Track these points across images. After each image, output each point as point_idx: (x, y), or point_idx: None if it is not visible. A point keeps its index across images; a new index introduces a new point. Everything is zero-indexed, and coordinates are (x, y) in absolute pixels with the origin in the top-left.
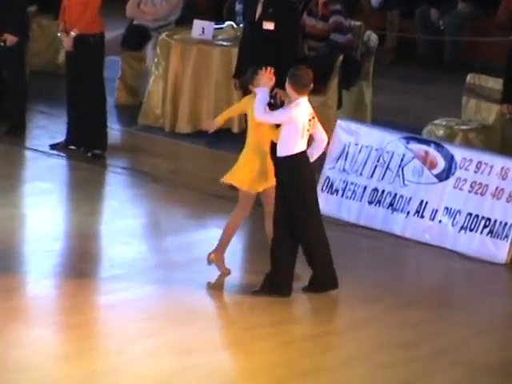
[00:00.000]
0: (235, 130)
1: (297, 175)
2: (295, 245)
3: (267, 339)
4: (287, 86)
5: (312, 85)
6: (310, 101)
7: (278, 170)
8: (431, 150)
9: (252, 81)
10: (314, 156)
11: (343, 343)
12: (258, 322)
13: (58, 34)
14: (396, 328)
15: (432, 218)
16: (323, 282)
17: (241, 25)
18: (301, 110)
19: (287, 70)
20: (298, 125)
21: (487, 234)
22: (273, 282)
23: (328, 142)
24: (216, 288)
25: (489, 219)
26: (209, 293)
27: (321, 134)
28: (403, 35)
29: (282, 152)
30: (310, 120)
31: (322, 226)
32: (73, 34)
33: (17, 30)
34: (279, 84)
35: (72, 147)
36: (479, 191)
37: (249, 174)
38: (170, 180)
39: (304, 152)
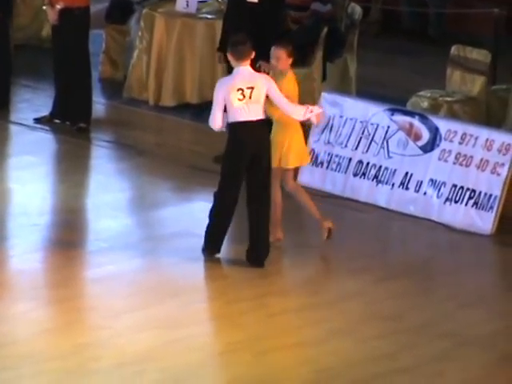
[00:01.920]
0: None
1: (227, 144)
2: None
3: (253, 312)
4: (228, 54)
5: (251, 53)
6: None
7: None
8: (416, 121)
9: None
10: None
11: (329, 316)
12: (243, 295)
13: (44, 7)
14: (382, 300)
15: (417, 190)
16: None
17: None
18: (232, 77)
19: (272, 41)
20: (230, 93)
21: (472, 206)
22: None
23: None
24: (202, 261)
25: (474, 191)
26: (194, 266)
27: (280, 104)
28: (387, 8)
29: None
30: (248, 88)
31: (229, 199)
32: (58, 6)
33: None
34: (264, 56)
35: (56, 121)
36: (464, 163)
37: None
38: (155, 153)
39: (242, 123)
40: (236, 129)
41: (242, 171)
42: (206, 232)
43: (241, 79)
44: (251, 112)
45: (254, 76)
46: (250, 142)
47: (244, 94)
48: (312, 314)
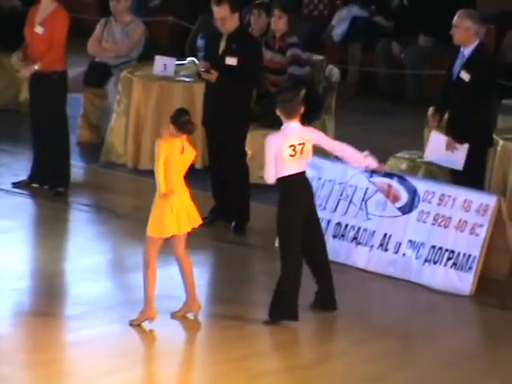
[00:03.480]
0: (198, 165)
1: (280, 199)
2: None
3: (235, 374)
4: (277, 110)
5: (300, 109)
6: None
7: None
8: (394, 183)
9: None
10: (351, 161)
11: (312, 377)
12: (225, 357)
13: (12, 60)
14: (364, 361)
15: (396, 251)
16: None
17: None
18: (283, 134)
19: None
20: (282, 150)
21: (451, 267)
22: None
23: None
24: (181, 323)
25: (452, 251)
26: (174, 329)
27: (334, 148)
28: (365, 69)
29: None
30: (299, 144)
31: (294, 257)
32: (35, 67)
33: None
34: (246, 117)
35: (35, 185)
36: (442, 223)
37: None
38: (134, 216)
39: (293, 175)
40: (288, 183)
41: (301, 224)
42: (279, 299)
43: (292, 136)
44: (300, 166)
45: (303, 131)
46: (303, 192)
47: (296, 150)
48: (293, 376)
